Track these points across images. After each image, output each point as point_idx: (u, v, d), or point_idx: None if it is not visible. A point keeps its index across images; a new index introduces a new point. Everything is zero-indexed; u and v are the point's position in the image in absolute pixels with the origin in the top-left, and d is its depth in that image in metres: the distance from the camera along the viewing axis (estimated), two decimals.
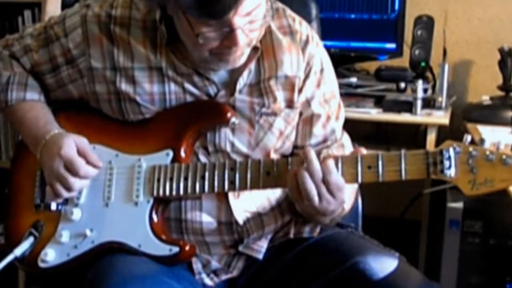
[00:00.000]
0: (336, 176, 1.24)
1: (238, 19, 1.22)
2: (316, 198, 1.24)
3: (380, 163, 1.24)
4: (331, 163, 1.24)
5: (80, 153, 1.36)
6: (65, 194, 1.36)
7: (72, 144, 1.36)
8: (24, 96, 1.46)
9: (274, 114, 1.41)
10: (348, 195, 1.33)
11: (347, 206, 1.37)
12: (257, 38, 1.33)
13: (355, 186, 1.45)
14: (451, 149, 1.21)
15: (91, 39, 1.40)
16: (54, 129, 1.41)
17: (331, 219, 1.35)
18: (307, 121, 1.45)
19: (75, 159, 1.34)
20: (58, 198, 1.37)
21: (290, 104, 1.42)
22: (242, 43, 1.25)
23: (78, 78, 1.43)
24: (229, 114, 1.36)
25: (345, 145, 1.49)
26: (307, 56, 1.43)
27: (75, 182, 1.35)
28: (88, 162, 1.36)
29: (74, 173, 1.34)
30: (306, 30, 1.46)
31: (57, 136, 1.38)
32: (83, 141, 1.38)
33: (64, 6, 2.32)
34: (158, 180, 1.35)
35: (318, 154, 1.42)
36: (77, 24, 1.42)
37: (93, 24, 1.40)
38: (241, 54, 1.31)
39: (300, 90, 1.43)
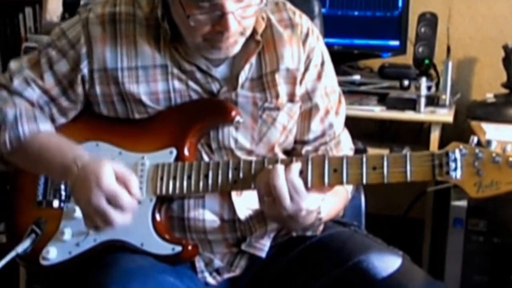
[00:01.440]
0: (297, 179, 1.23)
1: (230, 4, 1.22)
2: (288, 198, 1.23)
3: (385, 164, 1.23)
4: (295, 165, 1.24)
5: (120, 181, 1.25)
6: (104, 228, 1.26)
7: (111, 172, 1.24)
8: (37, 128, 1.37)
9: (277, 108, 1.40)
10: (328, 204, 1.32)
11: (325, 215, 1.34)
12: (251, 28, 1.32)
13: (341, 194, 1.43)
14: (457, 151, 1.20)
15: (94, 40, 1.38)
16: (84, 154, 1.29)
17: (303, 228, 1.33)
18: (306, 114, 1.45)
19: (118, 192, 1.23)
20: (98, 230, 1.29)
21: (291, 98, 1.42)
22: (233, 29, 1.25)
23: (87, 86, 1.39)
24: (233, 113, 1.36)
25: (343, 142, 1.48)
26: (307, 49, 1.43)
27: (117, 216, 1.24)
28: (130, 192, 1.25)
29: (118, 207, 1.24)
30: (307, 23, 1.46)
31: (92, 164, 1.26)
32: (120, 168, 1.27)
33: (65, 3, 2.31)
34: (161, 179, 1.34)
35: (316, 150, 1.43)
36: (80, 32, 1.39)
37: (96, 25, 1.39)
38: (234, 42, 1.30)
39: (300, 83, 1.42)
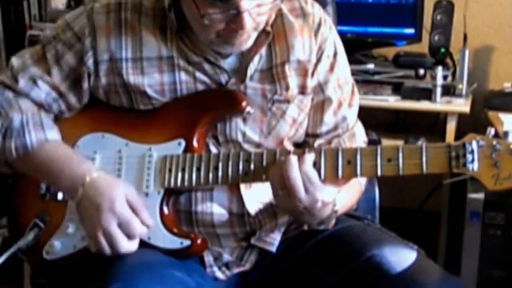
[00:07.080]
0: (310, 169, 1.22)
1: (246, 2, 1.21)
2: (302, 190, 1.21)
3: (400, 156, 1.21)
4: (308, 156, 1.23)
5: (132, 208, 1.27)
6: (109, 252, 1.25)
7: (124, 198, 1.26)
8: (45, 136, 1.34)
9: (287, 101, 1.38)
10: (343, 197, 1.31)
11: (340, 207, 1.32)
12: (265, 22, 1.31)
13: (355, 187, 1.41)
14: (474, 142, 1.19)
15: (98, 30, 1.36)
16: (93, 170, 1.30)
17: (319, 222, 1.31)
18: (318, 107, 1.42)
19: (132, 220, 1.26)
20: (101, 253, 1.26)
21: (302, 90, 1.40)
22: (248, 27, 1.23)
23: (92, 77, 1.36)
24: (244, 103, 1.34)
25: (357, 135, 1.46)
26: (319, 40, 1.41)
27: (126, 243, 1.25)
28: (142, 221, 1.27)
29: (129, 234, 1.26)
30: (319, 12, 1.43)
31: (102, 183, 1.28)
32: (133, 193, 1.29)
33: None
34: (170, 171, 1.32)
35: (329, 143, 1.41)
36: (85, 24, 1.37)
37: (101, 15, 1.36)
38: (247, 37, 1.29)
39: (311, 75, 1.40)
